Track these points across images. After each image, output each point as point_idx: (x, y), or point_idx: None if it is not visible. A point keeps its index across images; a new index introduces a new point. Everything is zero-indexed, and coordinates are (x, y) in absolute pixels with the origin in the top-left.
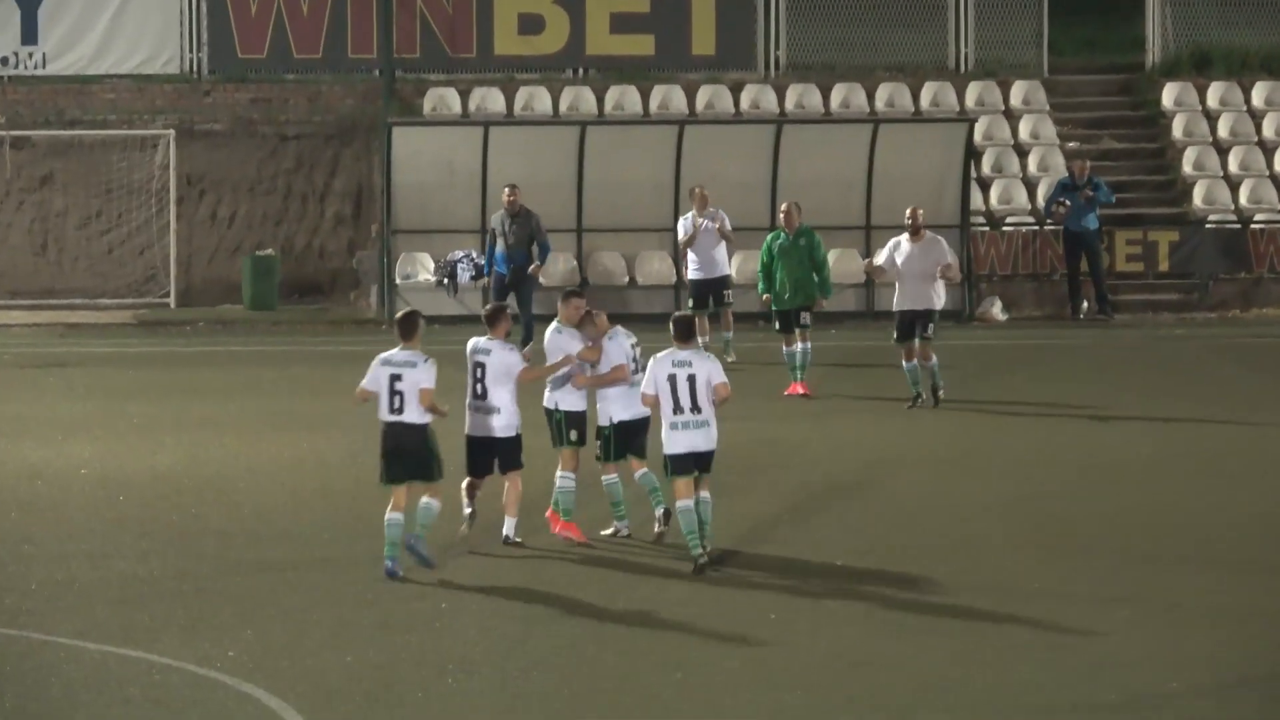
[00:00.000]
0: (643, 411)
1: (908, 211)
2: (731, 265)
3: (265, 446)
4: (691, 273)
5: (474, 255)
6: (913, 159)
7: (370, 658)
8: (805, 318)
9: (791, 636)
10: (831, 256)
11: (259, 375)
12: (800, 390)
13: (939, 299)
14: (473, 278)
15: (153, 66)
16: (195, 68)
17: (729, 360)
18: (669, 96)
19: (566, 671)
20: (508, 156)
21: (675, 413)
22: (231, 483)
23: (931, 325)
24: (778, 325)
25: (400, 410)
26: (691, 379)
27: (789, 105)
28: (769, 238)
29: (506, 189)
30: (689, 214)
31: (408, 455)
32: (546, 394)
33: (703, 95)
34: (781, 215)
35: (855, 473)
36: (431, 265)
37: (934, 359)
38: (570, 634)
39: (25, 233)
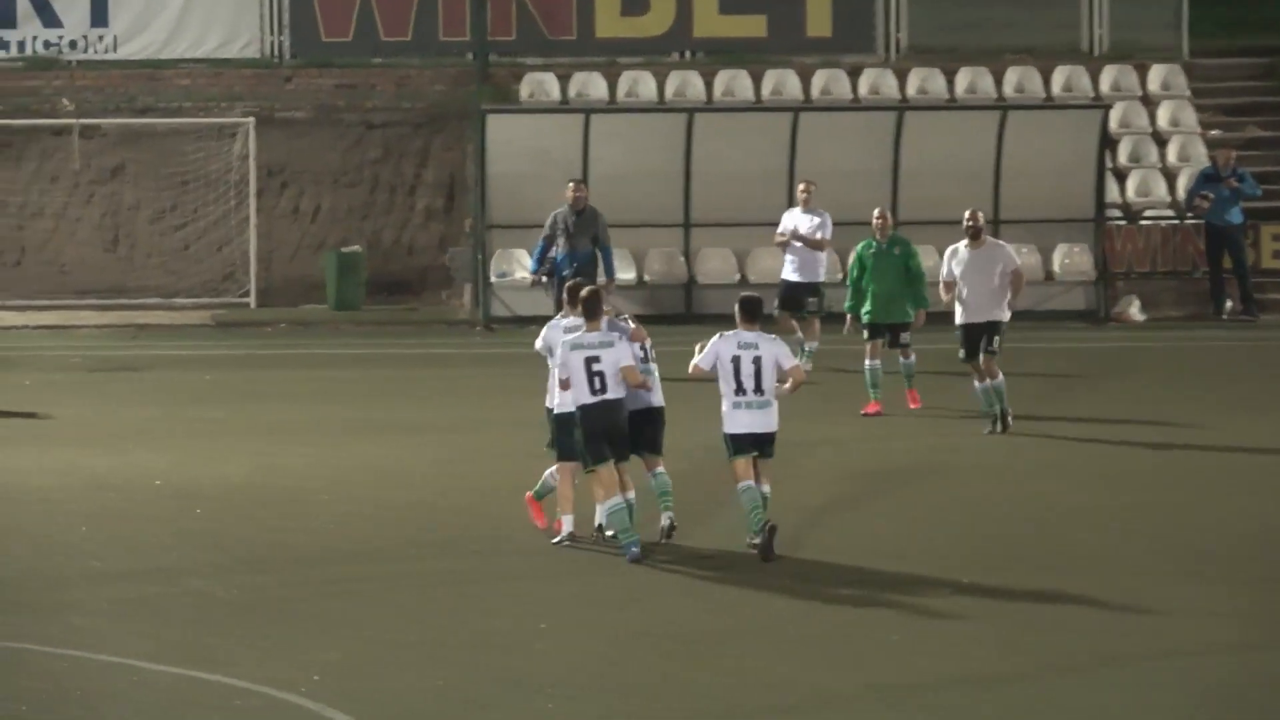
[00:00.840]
0: (644, 400)
1: (966, 214)
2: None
3: (348, 455)
4: (785, 272)
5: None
6: (1043, 148)
7: (462, 681)
8: (904, 337)
9: (916, 659)
10: (1058, 253)
11: (342, 379)
12: (912, 404)
13: (1004, 310)
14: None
15: (230, 50)
16: (276, 51)
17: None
18: (782, 81)
19: (669, 699)
20: (609, 146)
21: (738, 393)
22: (312, 494)
23: (997, 339)
24: (866, 335)
25: (604, 389)
26: (757, 361)
27: (910, 91)
28: (859, 247)
29: (571, 184)
30: (794, 209)
31: (620, 433)
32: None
33: (818, 80)
34: (875, 222)
35: (974, 483)
36: (529, 262)
37: (1000, 376)
38: (674, 655)
39: (94, 227)
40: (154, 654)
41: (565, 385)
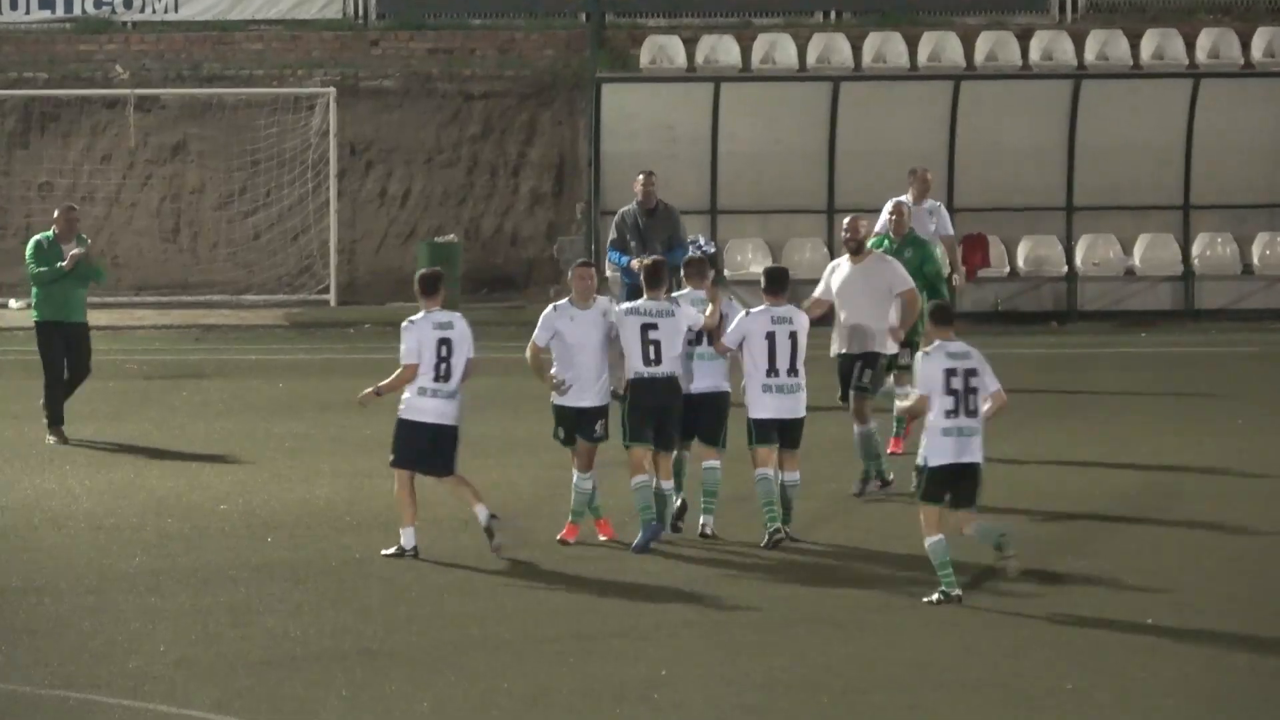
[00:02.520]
0: (709, 384)
1: (845, 224)
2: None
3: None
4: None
5: (701, 242)
6: (1242, 121)
7: None
8: (905, 355)
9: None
10: (1141, 244)
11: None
12: (895, 448)
13: (886, 341)
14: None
15: (309, 10)
16: (361, 11)
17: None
18: (941, 45)
19: None
20: (742, 119)
21: (769, 374)
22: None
23: (869, 373)
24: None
25: (659, 361)
26: (793, 336)
27: (1089, 56)
28: (870, 245)
29: (641, 176)
30: (902, 198)
31: (670, 416)
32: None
33: (983, 43)
34: (889, 218)
35: (1151, 496)
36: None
37: (870, 424)
38: (816, 710)
39: (153, 214)
40: (221, 703)
41: (556, 385)
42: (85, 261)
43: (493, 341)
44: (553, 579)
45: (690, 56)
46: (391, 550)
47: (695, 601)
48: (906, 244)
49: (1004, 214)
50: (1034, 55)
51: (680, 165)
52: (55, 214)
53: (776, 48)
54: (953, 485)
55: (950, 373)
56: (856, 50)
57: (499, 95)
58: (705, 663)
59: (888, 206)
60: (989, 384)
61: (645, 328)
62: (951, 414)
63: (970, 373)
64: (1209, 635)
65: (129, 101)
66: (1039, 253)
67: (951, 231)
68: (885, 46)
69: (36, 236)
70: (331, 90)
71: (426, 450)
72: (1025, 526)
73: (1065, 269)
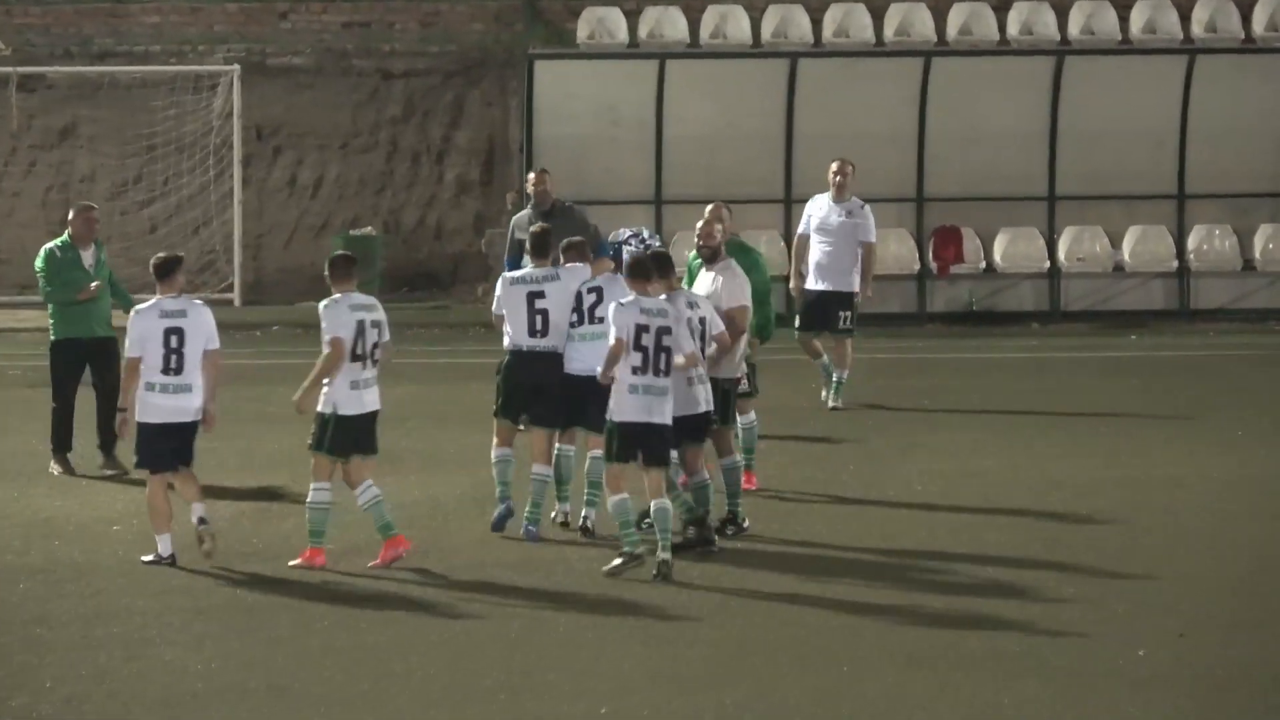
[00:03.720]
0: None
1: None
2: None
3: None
4: (810, 279)
5: (645, 235)
6: (1242, 101)
7: None
8: (742, 382)
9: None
10: (1131, 237)
11: None
12: (750, 483)
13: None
14: None
15: None
16: None
17: (831, 407)
18: (910, 18)
19: None
20: (691, 99)
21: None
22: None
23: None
24: None
25: (544, 333)
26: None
27: (1073, 30)
28: (689, 259)
29: (531, 175)
30: (821, 197)
31: (550, 394)
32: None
33: (955, 16)
34: (701, 228)
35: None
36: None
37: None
38: None
39: (39, 205)
40: None
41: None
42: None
43: (415, 345)
44: (480, 606)
45: (633, 30)
46: (148, 560)
47: (639, 628)
48: (734, 251)
49: (980, 204)
50: (1013, 29)
51: (623, 150)
52: (70, 215)
53: (728, 21)
54: (643, 444)
55: (642, 328)
56: (816, 24)
57: (422, 73)
58: (652, 699)
59: (707, 209)
60: (683, 344)
61: (531, 296)
62: (639, 371)
63: (663, 330)
64: (1206, 668)
65: (11, 80)
66: (1018, 247)
67: (873, 238)
68: (848, 19)
69: (48, 245)
70: (236, 68)
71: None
72: (1005, 548)
73: (1047, 265)
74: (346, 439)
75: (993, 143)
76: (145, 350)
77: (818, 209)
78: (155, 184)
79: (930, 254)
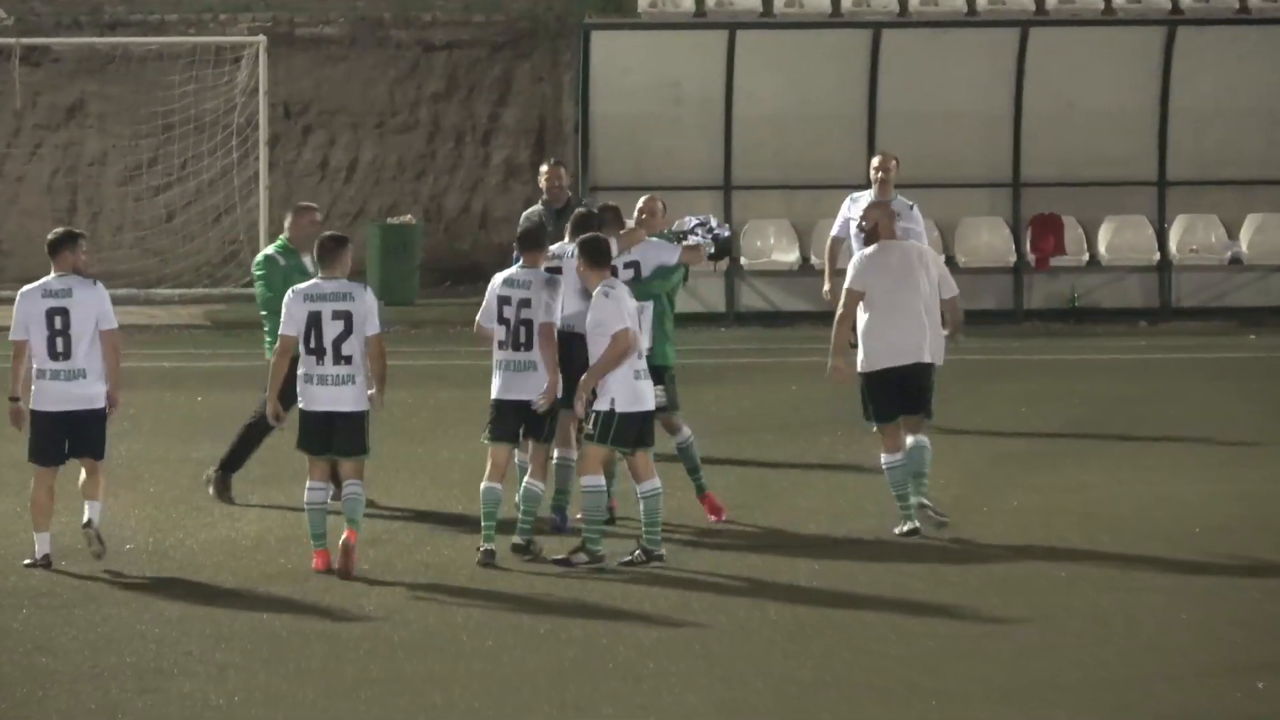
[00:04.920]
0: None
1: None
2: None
3: (409, 507)
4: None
5: (712, 224)
6: None
7: None
8: (658, 393)
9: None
10: (1249, 226)
11: (391, 405)
12: (711, 513)
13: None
14: (711, 256)
15: None
16: None
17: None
18: None
19: None
20: (763, 75)
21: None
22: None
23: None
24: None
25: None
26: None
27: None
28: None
29: (544, 167)
30: (862, 195)
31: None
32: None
33: None
34: (643, 213)
35: None
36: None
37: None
38: None
39: (44, 190)
40: None
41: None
42: None
43: (457, 345)
44: (529, 632)
45: None
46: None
47: (703, 659)
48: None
49: (1082, 190)
50: None
51: (687, 131)
52: (289, 219)
53: None
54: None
55: (504, 300)
56: None
57: (466, 45)
58: None
59: (640, 203)
60: (540, 314)
61: (520, 304)
62: (503, 345)
63: (524, 303)
64: None
65: (13, 53)
66: (1124, 237)
67: (924, 245)
68: None
69: (267, 251)
70: (261, 39)
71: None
72: (1106, 571)
73: (1157, 257)
74: (312, 437)
75: (1097, 122)
76: (30, 334)
77: (858, 211)
78: (172, 167)
79: (1028, 245)
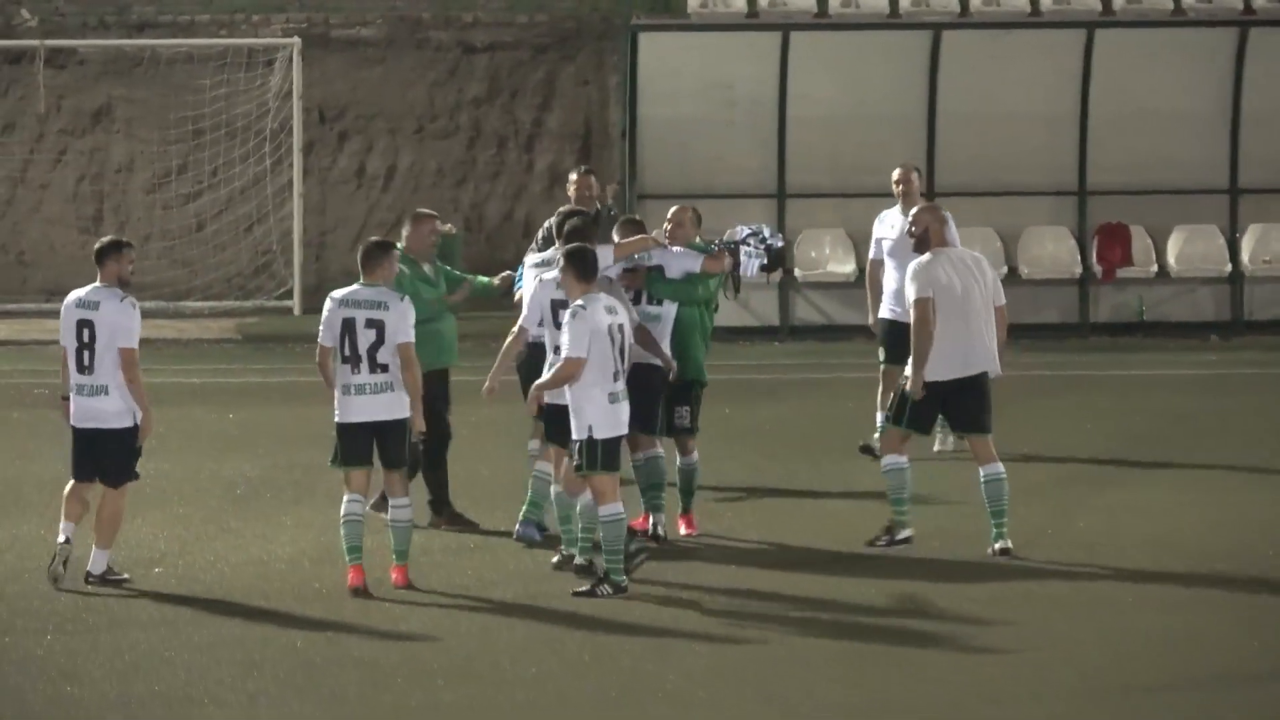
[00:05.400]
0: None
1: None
2: None
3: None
4: (885, 309)
5: (765, 233)
6: None
7: None
8: (682, 414)
9: None
10: None
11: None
12: (686, 528)
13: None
14: (764, 267)
15: None
16: None
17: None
18: None
19: None
20: (818, 78)
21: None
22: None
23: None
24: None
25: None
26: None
27: None
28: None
29: (574, 175)
30: (888, 213)
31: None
32: None
33: None
34: (670, 223)
35: None
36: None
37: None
38: None
39: (69, 198)
40: None
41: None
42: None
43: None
44: (573, 657)
45: None
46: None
47: (756, 683)
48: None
49: (1150, 198)
50: None
51: (738, 135)
52: (406, 228)
53: None
54: None
55: (561, 305)
56: None
57: (508, 47)
58: None
59: (670, 213)
60: None
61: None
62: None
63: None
64: None
65: (38, 55)
66: (1195, 247)
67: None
68: None
69: None
70: (295, 41)
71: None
72: (1173, 594)
73: (1228, 268)
74: (348, 450)
75: (1165, 127)
76: (65, 344)
77: (887, 229)
78: (202, 174)
79: (1093, 255)
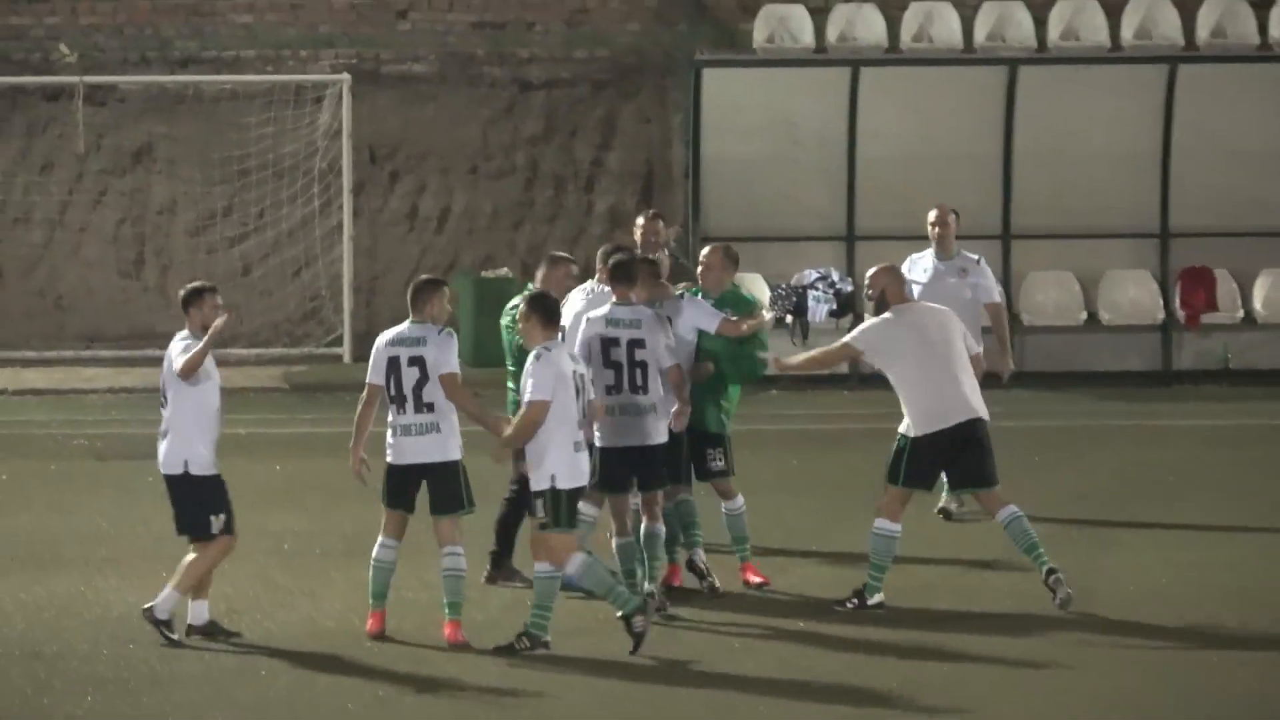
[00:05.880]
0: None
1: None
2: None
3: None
4: None
5: (834, 277)
6: None
7: None
8: (715, 457)
9: None
10: None
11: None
12: (753, 576)
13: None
14: (832, 313)
15: None
16: None
17: (940, 509)
18: (1151, 17)
19: None
20: (889, 115)
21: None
22: (447, 648)
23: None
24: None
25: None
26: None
27: None
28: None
29: (641, 220)
30: (921, 255)
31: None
32: None
33: (1206, 15)
34: (700, 265)
35: None
36: (767, 293)
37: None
38: None
39: (108, 240)
40: None
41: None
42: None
43: None
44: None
45: (820, 32)
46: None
47: None
48: (728, 300)
49: (1236, 240)
50: (1275, 30)
51: (806, 175)
52: (541, 270)
53: (934, 21)
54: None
55: (609, 342)
56: (1040, 23)
57: (566, 83)
58: None
59: (703, 253)
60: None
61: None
62: (613, 390)
63: (636, 343)
64: None
65: (76, 92)
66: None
67: (998, 298)
68: (1078, 19)
69: (520, 300)
70: (345, 77)
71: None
72: (1251, 654)
73: None
74: (391, 491)
75: (1251, 166)
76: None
77: (920, 271)
78: (248, 216)
79: (1177, 300)
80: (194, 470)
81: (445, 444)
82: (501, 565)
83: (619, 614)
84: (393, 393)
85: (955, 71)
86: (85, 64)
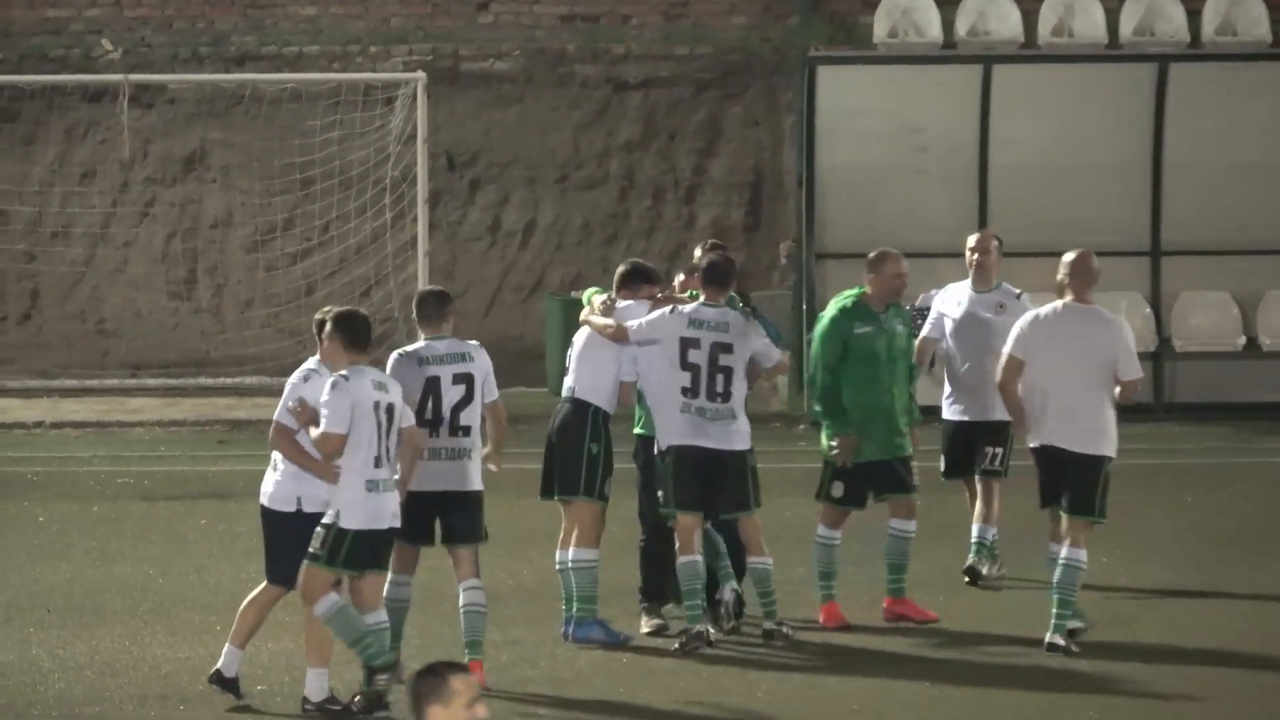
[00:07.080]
0: None
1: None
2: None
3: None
4: (947, 408)
5: None
6: None
7: None
8: (909, 470)
9: None
10: None
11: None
12: (908, 611)
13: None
14: None
15: None
16: None
17: (993, 572)
18: None
19: None
20: (1025, 118)
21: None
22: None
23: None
24: (837, 494)
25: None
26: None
27: None
28: (833, 312)
29: (700, 249)
30: (956, 286)
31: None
32: None
33: None
34: (869, 278)
35: None
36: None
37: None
38: None
39: (157, 257)
40: None
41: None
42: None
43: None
44: None
45: (948, 26)
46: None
47: None
48: (892, 313)
49: None
50: None
51: (932, 184)
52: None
53: (1075, 14)
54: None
55: (689, 343)
56: (1194, 17)
57: (666, 83)
58: None
59: (889, 260)
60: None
61: (715, 346)
62: (690, 392)
63: (721, 347)
64: None
65: (121, 93)
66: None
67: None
68: (1235, 11)
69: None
70: (420, 76)
71: None
72: None
73: None
74: (406, 521)
75: None
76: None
77: (953, 304)
78: (312, 230)
79: None
80: (307, 508)
81: (471, 472)
82: (655, 610)
83: (365, 664)
84: (428, 415)
85: (1099, 70)
86: (130, 61)
